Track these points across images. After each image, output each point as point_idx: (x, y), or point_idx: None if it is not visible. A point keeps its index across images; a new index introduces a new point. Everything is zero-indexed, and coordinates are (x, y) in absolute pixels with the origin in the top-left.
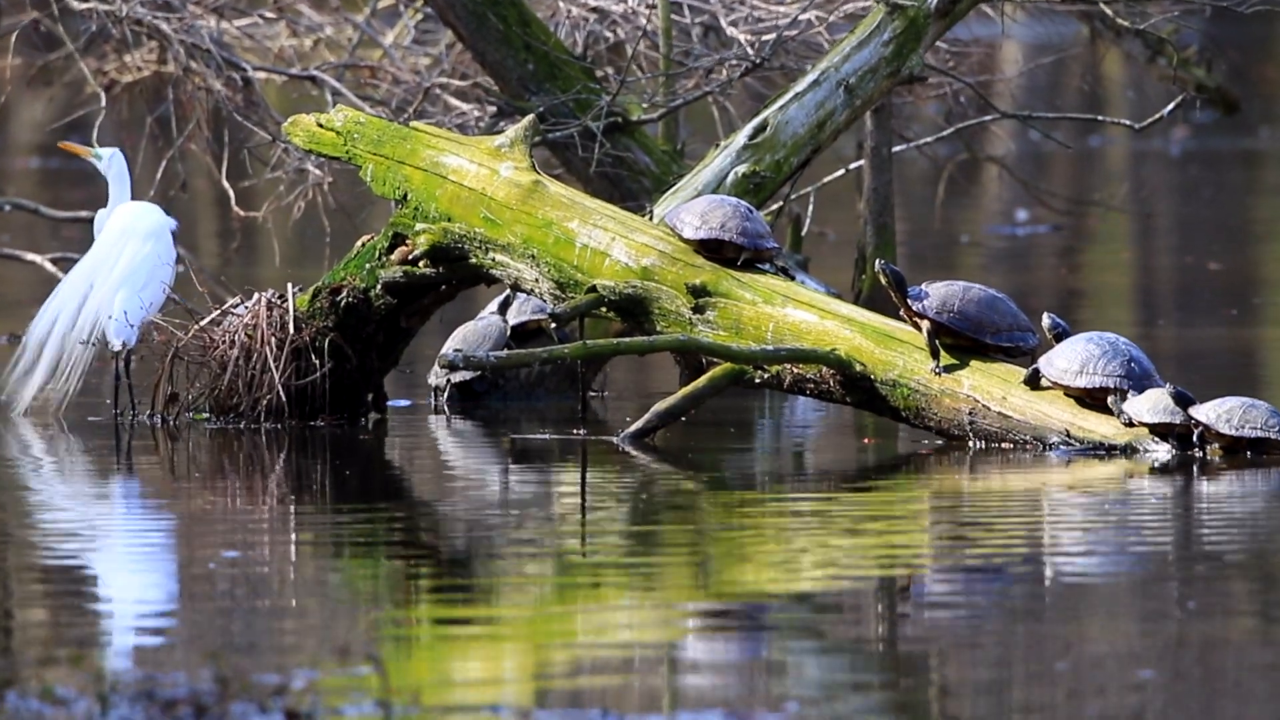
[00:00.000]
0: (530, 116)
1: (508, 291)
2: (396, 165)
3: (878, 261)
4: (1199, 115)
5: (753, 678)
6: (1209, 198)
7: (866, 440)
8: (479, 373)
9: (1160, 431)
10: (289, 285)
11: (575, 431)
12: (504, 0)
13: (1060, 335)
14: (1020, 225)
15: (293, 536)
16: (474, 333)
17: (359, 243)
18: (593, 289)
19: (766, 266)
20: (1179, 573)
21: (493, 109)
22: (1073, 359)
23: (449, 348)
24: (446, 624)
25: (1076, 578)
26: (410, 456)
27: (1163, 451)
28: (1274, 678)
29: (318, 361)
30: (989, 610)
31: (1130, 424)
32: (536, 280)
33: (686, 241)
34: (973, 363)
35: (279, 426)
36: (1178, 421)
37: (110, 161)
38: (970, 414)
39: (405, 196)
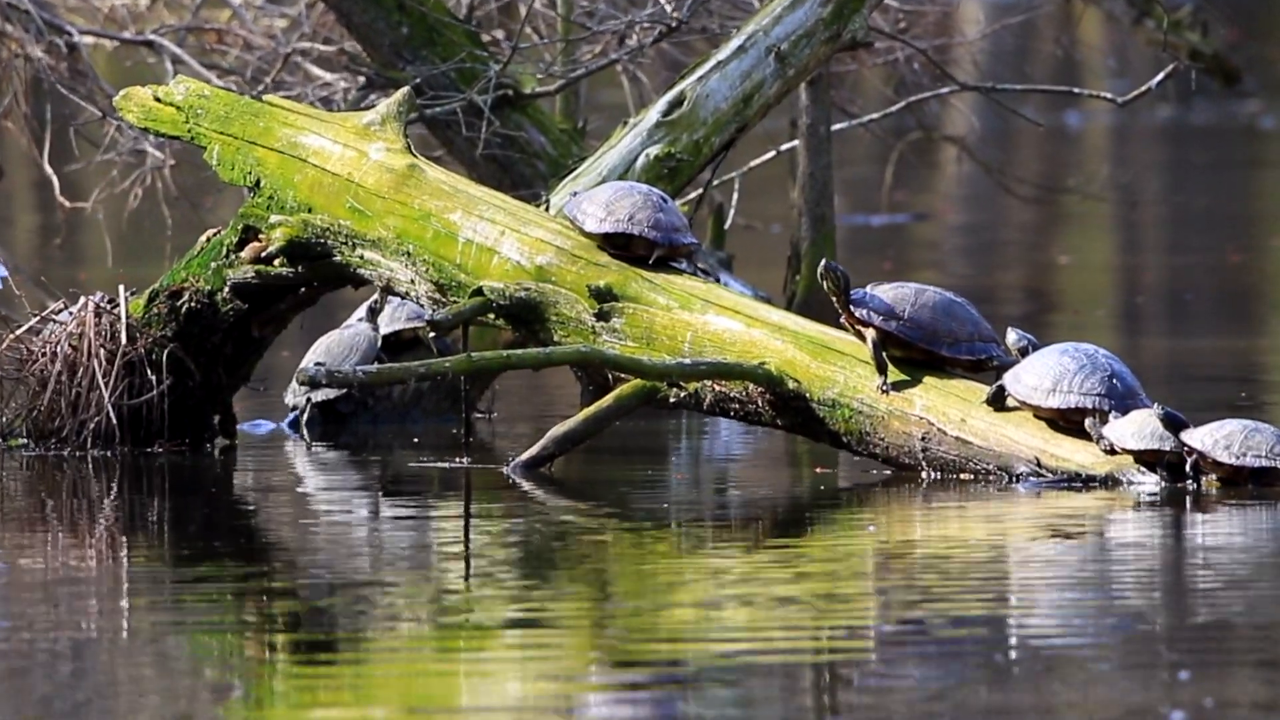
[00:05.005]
0: (405, 89)
1: (378, 295)
2: (247, 146)
3: (823, 261)
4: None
5: None
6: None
7: (817, 469)
8: (345, 390)
9: (1147, 460)
10: (121, 288)
11: (457, 460)
12: None
13: (1027, 351)
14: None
15: (124, 587)
16: (339, 343)
17: (203, 237)
18: (478, 292)
19: (683, 265)
20: (1168, 641)
21: (361, 80)
22: (1044, 375)
23: (309, 361)
24: (305, 696)
25: (1042, 645)
26: (264, 490)
27: (1150, 483)
28: None
29: (155, 377)
30: (935, 685)
31: (1112, 451)
32: (412, 281)
33: (589, 236)
34: (927, 379)
35: (109, 454)
36: (1167, 448)
37: None
38: (923, 439)
39: (258, 183)
